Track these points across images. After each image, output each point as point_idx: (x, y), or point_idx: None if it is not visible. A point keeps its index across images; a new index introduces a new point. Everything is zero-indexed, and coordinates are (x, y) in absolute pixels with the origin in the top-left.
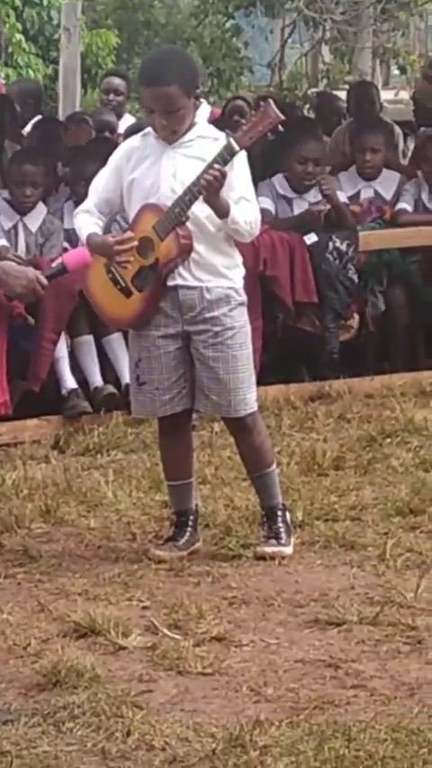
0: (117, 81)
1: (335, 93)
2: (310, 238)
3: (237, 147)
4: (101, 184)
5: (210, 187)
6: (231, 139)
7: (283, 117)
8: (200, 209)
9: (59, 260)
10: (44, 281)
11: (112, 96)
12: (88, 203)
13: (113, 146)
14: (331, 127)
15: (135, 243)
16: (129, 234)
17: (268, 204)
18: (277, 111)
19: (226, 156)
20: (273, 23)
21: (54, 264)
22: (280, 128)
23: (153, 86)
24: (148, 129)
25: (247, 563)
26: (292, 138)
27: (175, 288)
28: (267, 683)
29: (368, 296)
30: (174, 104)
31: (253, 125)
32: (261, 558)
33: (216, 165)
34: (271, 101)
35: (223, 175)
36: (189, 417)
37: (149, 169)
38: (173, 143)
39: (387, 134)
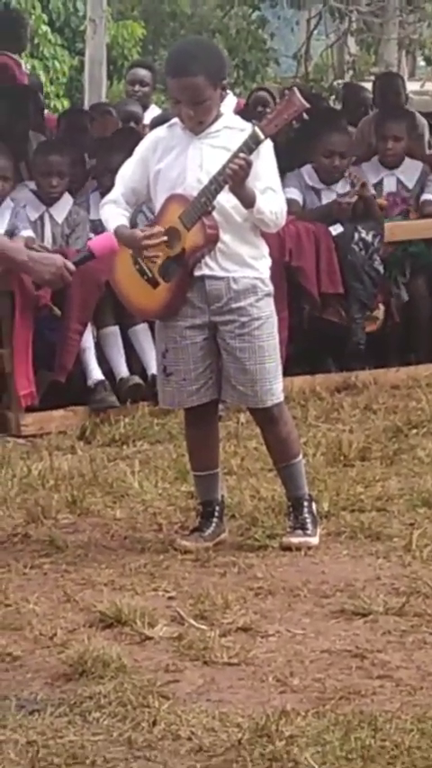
0: (143, 72)
1: (361, 84)
2: (336, 229)
3: (262, 136)
4: (127, 175)
5: (235, 176)
6: (256, 128)
7: (308, 105)
8: (226, 199)
9: (86, 246)
10: (72, 267)
11: (137, 87)
12: (115, 194)
13: (139, 137)
14: (357, 118)
15: (164, 238)
16: (157, 228)
17: (296, 195)
18: (302, 100)
19: (251, 144)
20: (299, 15)
21: (81, 251)
22: (305, 116)
23: (179, 77)
24: (175, 120)
25: (273, 553)
26: (318, 130)
27: (202, 278)
28: (293, 673)
29: (392, 287)
30: (200, 95)
31: (278, 113)
32: (287, 548)
33: (242, 154)
34: (296, 89)
35: (249, 164)
36: (215, 408)
37: (176, 160)
38: (199, 134)
39: (410, 122)
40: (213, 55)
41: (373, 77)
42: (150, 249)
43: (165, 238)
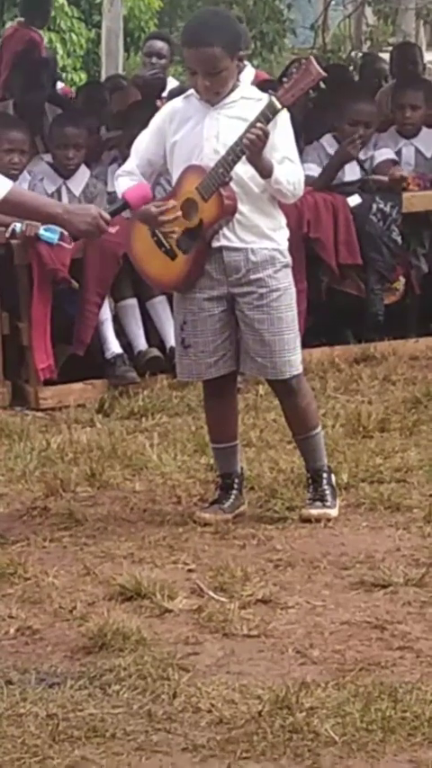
0: (159, 44)
1: (378, 54)
2: (354, 200)
3: (279, 105)
4: (142, 146)
5: (253, 146)
6: (273, 98)
7: (324, 74)
8: (243, 170)
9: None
10: (107, 216)
11: (154, 59)
12: (130, 165)
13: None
14: (373, 89)
15: (179, 213)
16: (172, 203)
17: (314, 170)
18: (319, 69)
19: (268, 114)
20: None
21: (116, 201)
22: (322, 85)
23: (196, 47)
24: (191, 91)
25: (292, 525)
26: (344, 99)
27: (220, 249)
28: (313, 644)
29: (411, 258)
30: (217, 65)
31: (294, 82)
32: (306, 520)
33: (259, 124)
34: (312, 58)
35: (266, 134)
36: (234, 380)
37: (192, 130)
38: (216, 104)
39: (428, 91)
40: (230, 25)
41: (390, 48)
42: (165, 224)
43: (179, 213)
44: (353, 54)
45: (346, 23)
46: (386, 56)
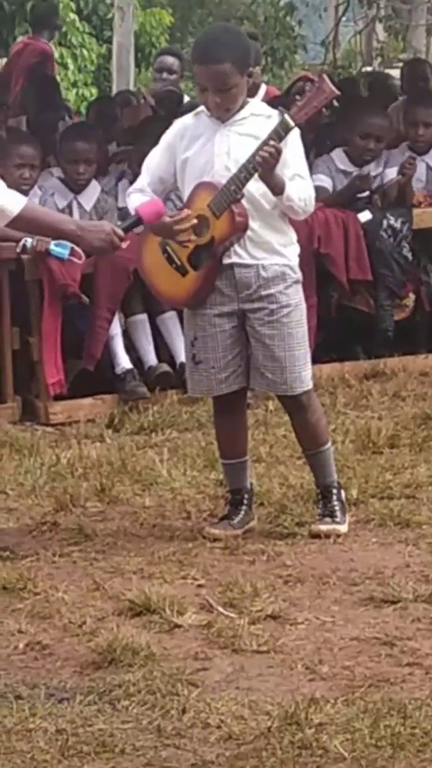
0: (170, 60)
1: (388, 71)
2: (365, 216)
3: (292, 123)
4: (153, 163)
5: (266, 164)
6: (286, 116)
7: (338, 92)
8: (255, 187)
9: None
10: (121, 232)
11: (165, 75)
12: (141, 183)
13: (169, 124)
14: (385, 104)
15: (194, 221)
16: (186, 212)
17: (325, 182)
18: (332, 87)
19: (281, 132)
20: (326, 1)
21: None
22: (335, 103)
23: (206, 64)
24: (201, 108)
25: (302, 541)
26: (355, 112)
27: (231, 266)
28: (322, 660)
29: (421, 274)
30: (227, 82)
31: (308, 100)
32: (316, 536)
33: (272, 142)
34: (325, 76)
35: (279, 152)
36: (244, 396)
37: (203, 147)
38: (226, 120)
39: None
40: (240, 42)
41: (401, 64)
42: (181, 234)
43: (195, 221)
44: (363, 70)
45: (357, 39)
46: (396, 72)
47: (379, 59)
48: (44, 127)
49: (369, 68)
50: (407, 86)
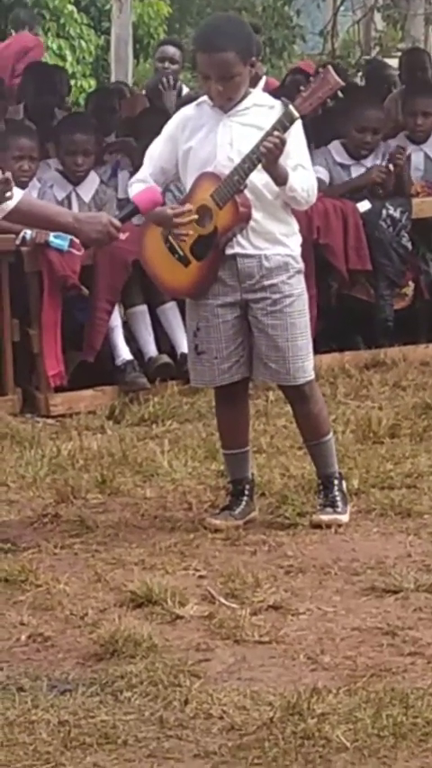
0: (172, 50)
1: (385, 61)
2: (364, 206)
3: (296, 114)
4: (155, 154)
5: (270, 154)
6: (291, 106)
7: (342, 83)
8: (257, 177)
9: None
10: (118, 223)
11: (167, 64)
12: (143, 173)
13: (168, 116)
14: (380, 95)
15: (194, 216)
16: (188, 206)
17: (322, 174)
18: (337, 78)
19: (286, 122)
20: None
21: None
22: (339, 94)
23: (210, 52)
24: (203, 98)
25: (303, 531)
26: (351, 105)
27: (234, 256)
28: (324, 650)
29: (420, 263)
30: (230, 70)
31: (312, 91)
32: (317, 526)
33: (276, 132)
34: (330, 67)
35: (283, 142)
36: (246, 386)
37: (205, 138)
38: (228, 111)
39: None
40: (244, 31)
41: (399, 54)
42: (181, 227)
43: (195, 216)
44: (362, 60)
45: (356, 29)
46: (395, 61)
47: (377, 49)
48: (41, 112)
49: (368, 58)
50: (405, 76)
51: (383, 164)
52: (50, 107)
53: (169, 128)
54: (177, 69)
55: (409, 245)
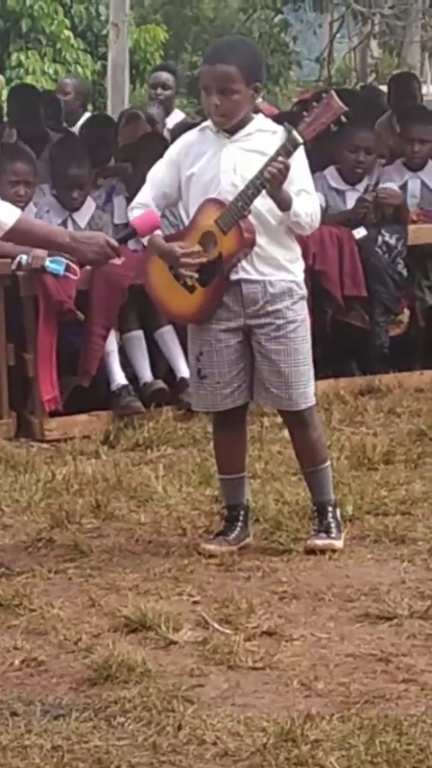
0: (165, 75)
1: (379, 87)
2: (360, 232)
3: (300, 140)
4: (157, 178)
5: (274, 180)
6: (294, 132)
7: (346, 108)
8: (261, 203)
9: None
10: (115, 243)
11: (159, 90)
12: (145, 197)
13: (165, 142)
14: (374, 118)
15: (203, 259)
16: (197, 247)
17: (319, 199)
18: (340, 103)
19: (290, 148)
20: (321, 18)
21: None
22: (343, 119)
23: (213, 63)
24: (206, 124)
25: (297, 557)
26: (342, 127)
27: (238, 282)
28: (318, 677)
29: (416, 290)
30: (229, 84)
31: (316, 117)
32: (311, 551)
33: (280, 158)
34: (333, 92)
35: (287, 168)
36: (245, 411)
37: (209, 163)
38: (232, 136)
39: None
40: (253, 53)
41: None
42: (186, 267)
43: (203, 260)
44: (358, 86)
45: (352, 56)
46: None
47: (374, 75)
48: (28, 136)
49: (363, 84)
50: (394, 101)
51: (365, 195)
52: (37, 132)
53: (171, 153)
54: (170, 95)
55: (405, 272)
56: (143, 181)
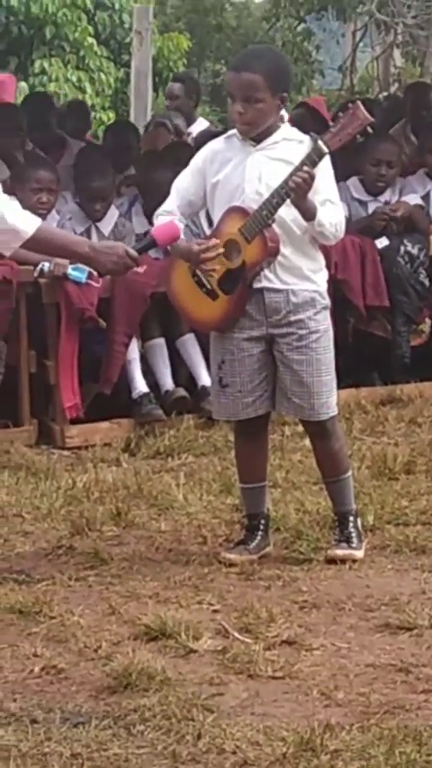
0: (175, 86)
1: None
2: (382, 242)
3: (326, 149)
4: (183, 186)
5: (299, 189)
6: (320, 142)
7: (372, 119)
8: (286, 212)
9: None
10: (134, 254)
11: (168, 102)
12: (170, 205)
13: (189, 150)
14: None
15: (221, 250)
16: (214, 241)
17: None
18: (366, 114)
19: (315, 157)
20: (344, 27)
21: (143, 239)
22: (369, 130)
23: (238, 71)
24: (232, 132)
25: (317, 567)
26: (365, 139)
27: (261, 290)
28: (338, 687)
29: None
30: (254, 93)
31: (342, 127)
32: (332, 561)
33: (305, 167)
34: (359, 103)
35: (312, 177)
36: (267, 420)
37: (234, 171)
38: (258, 144)
39: None
40: (279, 62)
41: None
42: (207, 263)
43: (222, 251)
44: (379, 96)
45: (374, 65)
46: None
47: (396, 85)
48: (46, 145)
49: (386, 94)
50: (410, 111)
51: (385, 208)
52: (48, 140)
53: (197, 160)
54: (179, 104)
55: (427, 282)
56: (167, 189)
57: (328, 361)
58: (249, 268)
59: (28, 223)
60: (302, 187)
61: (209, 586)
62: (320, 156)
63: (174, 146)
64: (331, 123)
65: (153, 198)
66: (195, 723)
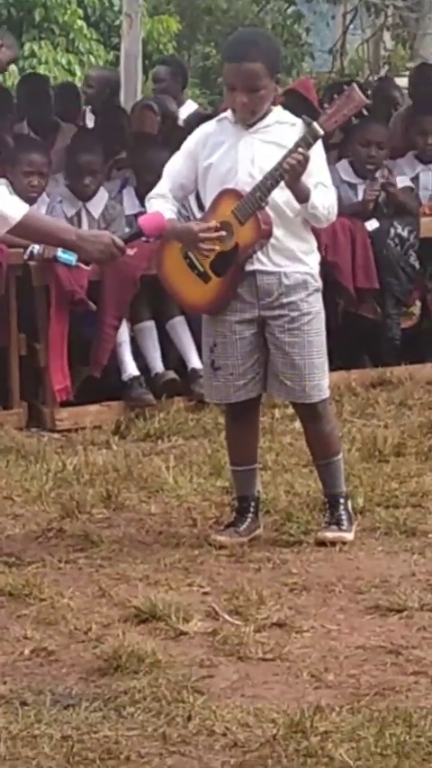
0: (161, 69)
1: (393, 80)
2: (372, 224)
3: (321, 132)
4: (175, 170)
5: (293, 171)
6: (315, 124)
7: (368, 101)
8: (279, 195)
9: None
10: (120, 243)
11: (155, 85)
12: (163, 188)
13: (180, 133)
14: (385, 114)
15: (223, 233)
16: (213, 223)
17: None
18: (362, 95)
19: (309, 139)
20: (334, 9)
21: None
22: (365, 112)
23: (239, 62)
24: (224, 115)
25: (307, 549)
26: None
27: (253, 273)
28: (328, 668)
29: (428, 282)
30: (257, 82)
31: (337, 108)
32: (322, 543)
33: (300, 150)
34: (355, 85)
35: (307, 160)
36: (258, 403)
37: (226, 154)
38: (250, 128)
39: None
40: (272, 45)
41: (408, 73)
42: (207, 243)
43: (223, 233)
44: (370, 79)
45: (365, 48)
46: (404, 81)
47: (386, 68)
48: (38, 122)
49: (378, 76)
50: (415, 93)
51: (373, 185)
52: (48, 121)
53: (189, 144)
54: (165, 87)
55: (417, 264)
56: (160, 171)
57: (320, 343)
58: (242, 250)
59: (15, 209)
60: (297, 169)
61: (199, 569)
62: (315, 138)
63: (167, 128)
64: (326, 105)
65: (146, 179)
66: (185, 705)
